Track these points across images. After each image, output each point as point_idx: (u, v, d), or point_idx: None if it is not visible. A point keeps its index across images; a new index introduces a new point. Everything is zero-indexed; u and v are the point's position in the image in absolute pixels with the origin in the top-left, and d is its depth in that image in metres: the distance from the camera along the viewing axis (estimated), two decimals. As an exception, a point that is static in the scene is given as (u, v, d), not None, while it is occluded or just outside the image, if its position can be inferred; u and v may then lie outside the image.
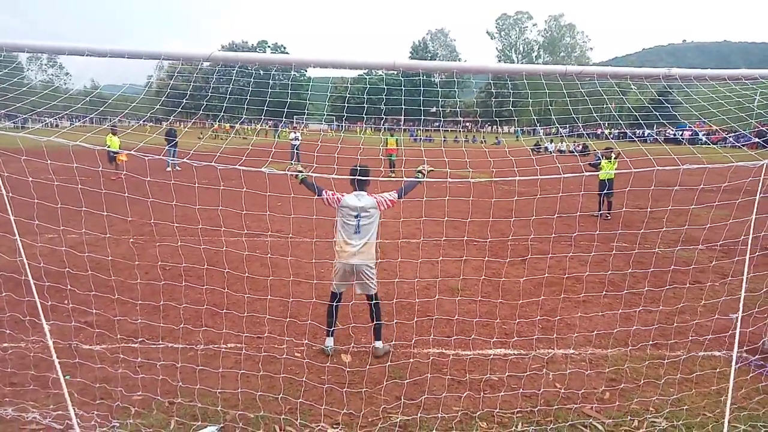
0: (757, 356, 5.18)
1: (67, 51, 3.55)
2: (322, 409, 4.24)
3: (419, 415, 4.23)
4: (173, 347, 5.25)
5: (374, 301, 5.40)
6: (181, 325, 5.07)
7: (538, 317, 5.90)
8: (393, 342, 5.46)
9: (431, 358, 5.18)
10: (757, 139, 5.31)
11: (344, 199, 5.29)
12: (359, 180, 5.31)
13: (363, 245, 5.25)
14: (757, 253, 3.96)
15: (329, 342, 5.48)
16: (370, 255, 5.33)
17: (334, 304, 5.40)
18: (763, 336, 5.39)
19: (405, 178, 5.57)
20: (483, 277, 6.71)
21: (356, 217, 5.25)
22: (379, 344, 5.48)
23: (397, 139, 22.56)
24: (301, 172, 5.19)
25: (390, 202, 5.35)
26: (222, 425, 4.08)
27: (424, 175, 5.36)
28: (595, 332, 5.56)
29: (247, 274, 5.45)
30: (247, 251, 6.46)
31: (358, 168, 5.28)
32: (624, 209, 6.37)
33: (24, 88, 4.19)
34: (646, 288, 5.54)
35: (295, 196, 4.20)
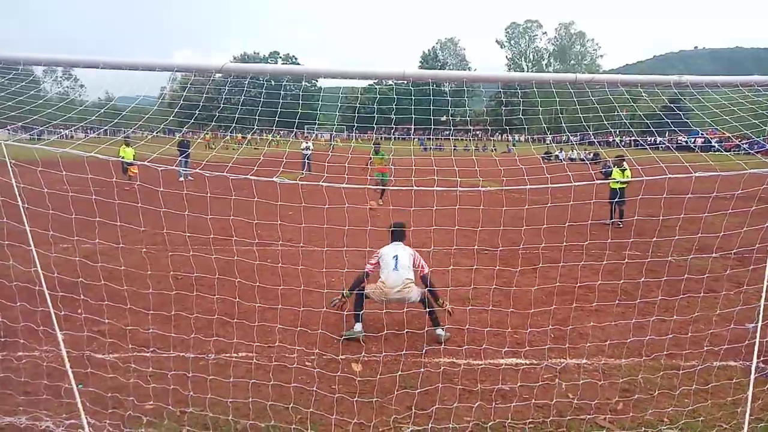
0: (774, 366, 5.09)
1: (82, 64, 3.61)
2: (332, 418, 4.23)
3: (430, 425, 4.21)
4: (184, 356, 5.27)
5: (428, 308, 5.91)
6: (193, 335, 5.09)
7: (550, 326, 5.85)
8: (404, 351, 5.44)
9: (442, 367, 5.16)
10: (770, 147, 5.25)
11: (382, 250, 6.15)
12: (396, 232, 6.31)
13: (404, 283, 5.90)
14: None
15: (358, 327, 5.93)
16: (411, 288, 5.97)
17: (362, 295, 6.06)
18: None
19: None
20: (494, 286, 6.67)
21: (394, 257, 5.98)
22: (440, 331, 5.89)
23: (383, 156, 16.56)
24: (342, 293, 6.07)
25: (422, 266, 6.10)
26: None
27: (439, 300, 6.11)
28: (608, 342, 5.50)
29: (258, 284, 5.47)
30: (259, 260, 6.48)
31: (398, 223, 6.37)
32: (636, 217, 6.32)
33: (40, 101, 4.26)
34: (660, 297, 5.48)
35: (306, 205, 4.23)
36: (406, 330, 5.52)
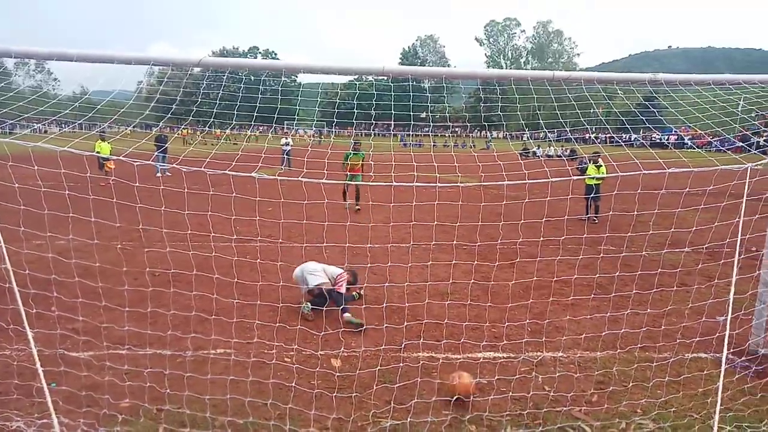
0: (742, 358, 5.24)
1: (56, 56, 3.53)
2: (311, 414, 4.23)
3: (409, 419, 4.23)
4: (161, 354, 5.21)
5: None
6: (169, 332, 5.03)
7: (527, 320, 5.93)
8: (383, 346, 5.46)
9: (421, 362, 5.19)
10: (741, 143, 5.40)
11: (331, 267, 6.73)
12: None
13: (311, 267, 6.57)
14: (742, 256, 4.01)
15: (306, 307, 6.42)
16: (317, 271, 6.50)
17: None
18: (749, 338, 5.46)
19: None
20: (472, 280, 6.73)
21: (324, 268, 6.64)
22: (347, 315, 6.15)
23: (363, 157, 14.42)
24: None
25: (339, 285, 6.47)
26: None
27: (360, 296, 6.92)
28: (584, 335, 5.59)
29: (236, 280, 5.44)
30: (237, 257, 6.44)
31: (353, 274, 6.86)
32: (611, 213, 6.44)
33: (11, 93, 4.15)
34: (634, 291, 5.58)
35: (285, 201, 4.21)
36: (385, 325, 5.54)
